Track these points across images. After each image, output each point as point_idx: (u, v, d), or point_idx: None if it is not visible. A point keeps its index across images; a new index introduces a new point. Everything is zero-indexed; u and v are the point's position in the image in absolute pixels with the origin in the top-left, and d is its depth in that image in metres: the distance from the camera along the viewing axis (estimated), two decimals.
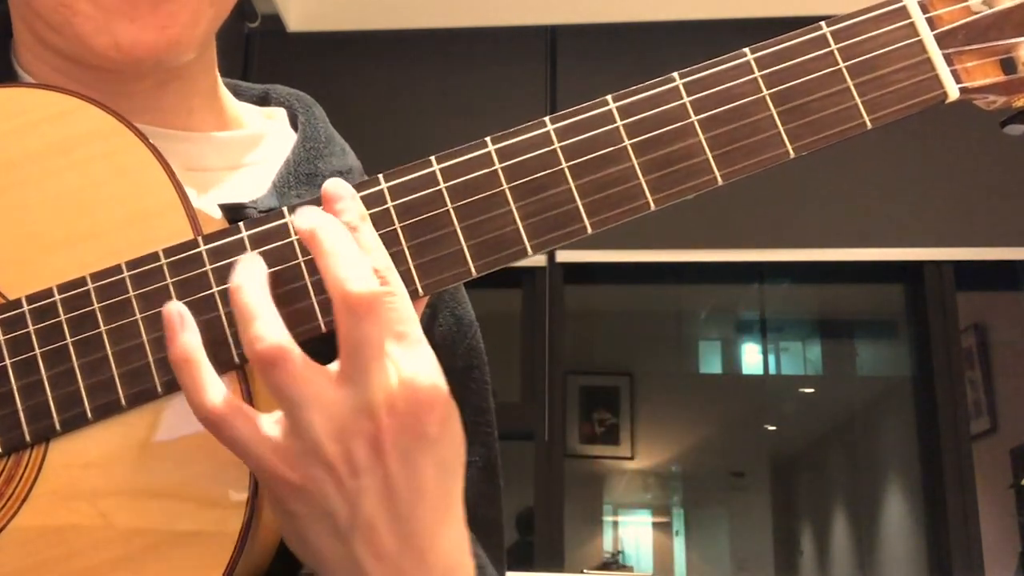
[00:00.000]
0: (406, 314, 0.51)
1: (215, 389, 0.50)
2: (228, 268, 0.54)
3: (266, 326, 0.49)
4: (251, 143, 0.74)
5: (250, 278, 0.51)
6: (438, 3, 3.37)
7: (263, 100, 0.81)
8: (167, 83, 0.68)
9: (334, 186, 0.53)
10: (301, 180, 0.71)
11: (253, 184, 0.71)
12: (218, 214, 0.61)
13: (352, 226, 0.52)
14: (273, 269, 0.54)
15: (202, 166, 0.69)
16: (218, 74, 0.75)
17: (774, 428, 4.23)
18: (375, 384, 0.49)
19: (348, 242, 0.51)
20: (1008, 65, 0.55)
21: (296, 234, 0.53)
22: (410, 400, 0.50)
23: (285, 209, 0.55)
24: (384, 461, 0.50)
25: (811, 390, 4.26)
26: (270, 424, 0.50)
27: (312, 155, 0.73)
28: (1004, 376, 3.43)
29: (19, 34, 0.69)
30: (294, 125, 0.77)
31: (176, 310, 0.52)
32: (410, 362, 0.50)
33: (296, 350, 0.49)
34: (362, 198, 0.55)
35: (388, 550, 0.51)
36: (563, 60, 3.38)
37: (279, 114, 0.79)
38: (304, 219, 0.51)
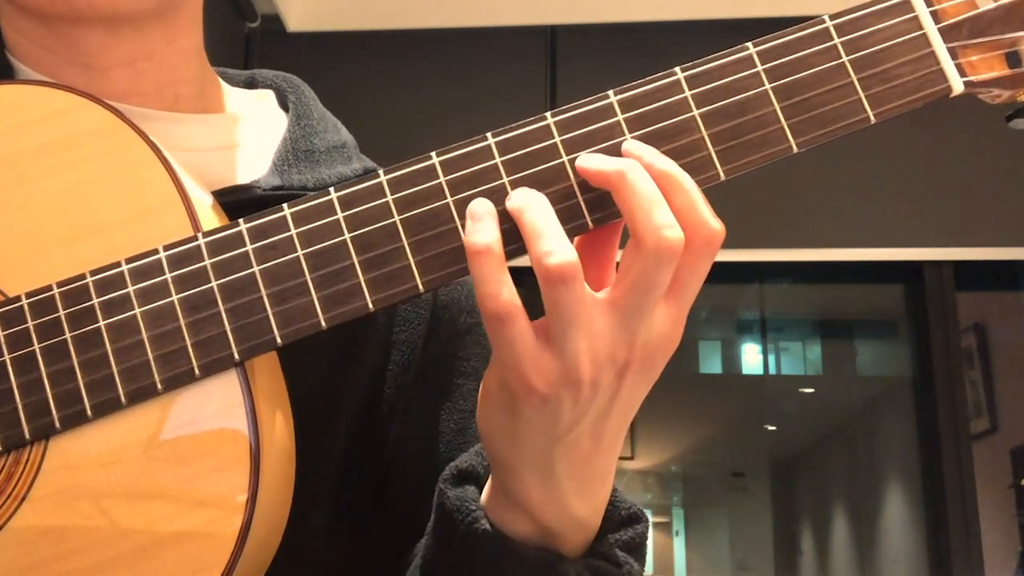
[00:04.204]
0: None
1: (509, 286, 0.51)
2: (228, 263, 0.54)
3: (559, 242, 0.50)
4: (241, 123, 0.74)
5: (533, 198, 0.52)
6: (438, 3, 3.37)
7: (250, 85, 0.81)
8: (136, 61, 0.68)
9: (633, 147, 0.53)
10: (300, 157, 0.71)
11: (246, 164, 0.71)
12: (209, 197, 0.61)
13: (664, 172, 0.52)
14: (272, 263, 0.54)
15: (190, 147, 0.69)
16: (209, 65, 0.75)
17: (774, 428, 4.23)
18: (645, 322, 0.51)
19: (654, 190, 0.51)
20: (1013, 59, 0.55)
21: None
22: (663, 338, 0.52)
23: (285, 205, 0.55)
24: (620, 389, 0.53)
25: (811, 390, 4.26)
26: (540, 341, 0.51)
27: (307, 132, 0.74)
28: (1004, 376, 3.43)
29: (2, 11, 0.69)
30: (283, 106, 0.78)
31: (485, 204, 0.53)
32: (677, 323, 0.53)
33: (581, 271, 0.50)
34: (361, 191, 0.54)
35: (582, 453, 0.55)
36: (563, 60, 3.38)
37: (267, 96, 0.79)
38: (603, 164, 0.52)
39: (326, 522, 0.69)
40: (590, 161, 0.52)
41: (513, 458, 0.55)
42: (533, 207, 0.52)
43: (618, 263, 0.53)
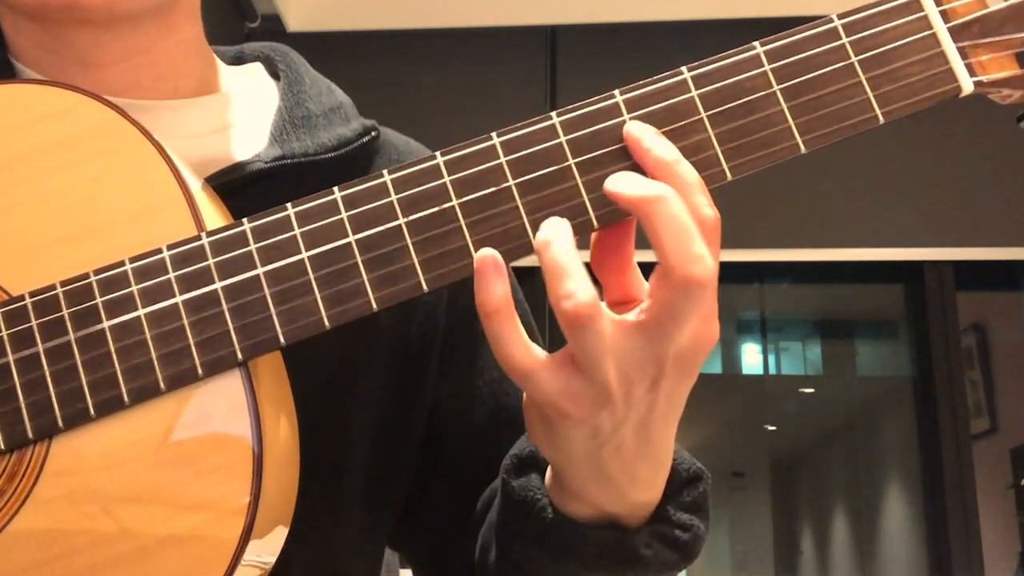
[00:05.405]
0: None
1: (523, 342, 0.51)
2: (231, 262, 0.54)
3: (579, 281, 0.49)
4: (235, 101, 0.74)
5: (558, 232, 0.51)
6: (438, 3, 3.37)
7: (239, 60, 0.81)
8: (133, 56, 0.68)
9: (635, 129, 0.53)
10: (297, 124, 0.71)
11: (246, 140, 0.71)
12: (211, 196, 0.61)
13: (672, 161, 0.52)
14: (275, 264, 0.54)
15: (189, 133, 0.69)
16: (212, 55, 0.76)
17: (774, 428, 4.23)
18: (672, 341, 0.51)
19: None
20: None
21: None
22: (696, 342, 0.52)
23: (289, 205, 0.55)
24: (656, 397, 0.53)
25: (811, 390, 4.26)
26: (565, 372, 0.51)
27: (301, 98, 0.74)
28: (1004, 376, 3.43)
29: (1, 13, 0.69)
30: (274, 75, 0.78)
31: (492, 258, 0.51)
32: (708, 321, 0.52)
33: (601, 306, 0.50)
34: (366, 190, 0.54)
35: (629, 452, 0.55)
36: (563, 60, 3.39)
37: (256, 68, 0.79)
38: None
39: (362, 499, 0.71)
40: (620, 186, 0.51)
41: (563, 461, 0.56)
42: (556, 242, 0.50)
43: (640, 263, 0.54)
